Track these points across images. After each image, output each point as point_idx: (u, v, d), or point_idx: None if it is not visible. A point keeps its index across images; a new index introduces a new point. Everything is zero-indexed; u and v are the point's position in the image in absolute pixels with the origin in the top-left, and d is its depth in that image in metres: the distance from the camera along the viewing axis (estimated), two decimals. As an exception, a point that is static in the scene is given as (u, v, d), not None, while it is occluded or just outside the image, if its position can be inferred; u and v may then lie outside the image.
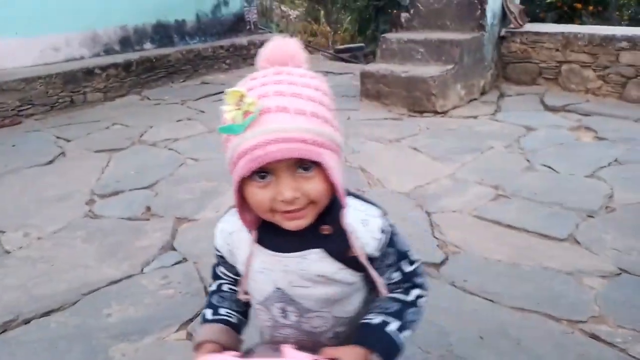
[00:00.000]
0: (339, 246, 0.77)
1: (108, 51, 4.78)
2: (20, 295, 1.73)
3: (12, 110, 3.79)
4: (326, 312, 0.82)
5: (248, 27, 6.17)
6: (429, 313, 1.51)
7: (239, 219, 0.76)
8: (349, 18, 9.60)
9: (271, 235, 0.77)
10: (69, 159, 3.04)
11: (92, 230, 2.18)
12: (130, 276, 1.82)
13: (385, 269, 0.81)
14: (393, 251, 0.81)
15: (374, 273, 0.78)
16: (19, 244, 2.06)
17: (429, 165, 2.82)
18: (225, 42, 5.54)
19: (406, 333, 0.80)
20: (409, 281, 0.84)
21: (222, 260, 0.88)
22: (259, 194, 0.70)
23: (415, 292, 0.84)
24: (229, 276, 0.90)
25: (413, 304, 0.83)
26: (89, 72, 4.22)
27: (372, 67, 4.13)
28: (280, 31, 7.65)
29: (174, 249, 2.01)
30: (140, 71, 4.61)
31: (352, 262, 0.78)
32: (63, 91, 4.05)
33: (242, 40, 5.71)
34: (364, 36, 9.09)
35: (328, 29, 9.54)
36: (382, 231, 0.79)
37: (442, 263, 1.85)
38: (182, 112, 3.97)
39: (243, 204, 0.73)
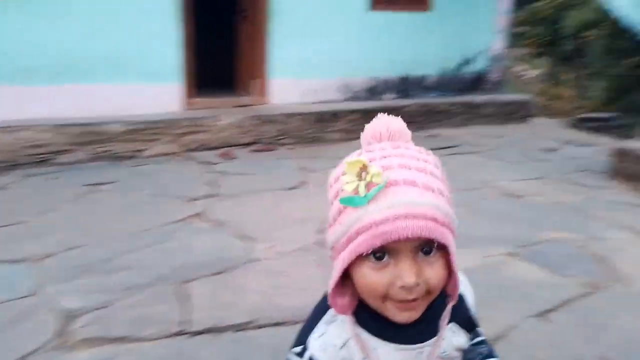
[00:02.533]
0: (460, 316, 0.75)
1: (355, 98, 5.31)
2: (260, 300, 1.99)
3: (271, 137, 4.51)
4: None
5: (488, 85, 6.08)
6: None
7: (330, 303, 0.67)
8: (600, 85, 8.62)
9: (383, 325, 0.67)
10: (309, 188, 3.44)
11: (320, 257, 2.39)
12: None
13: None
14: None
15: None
16: (264, 254, 2.40)
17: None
18: (462, 99, 5.57)
19: None
20: (492, 354, 0.83)
21: None
22: (374, 276, 0.62)
23: None
24: None
25: None
26: (335, 114, 4.74)
27: (631, 145, 3.60)
28: (517, 91, 7.31)
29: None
30: (378, 118, 4.97)
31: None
32: (312, 128, 4.65)
33: (479, 98, 5.66)
34: (614, 106, 8.03)
35: (572, 93, 8.73)
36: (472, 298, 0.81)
37: None
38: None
39: (341, 288, 0.66)
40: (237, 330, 1.80)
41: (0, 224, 2.68)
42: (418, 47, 5.51)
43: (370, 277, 0.62)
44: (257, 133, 4.47)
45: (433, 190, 0.61)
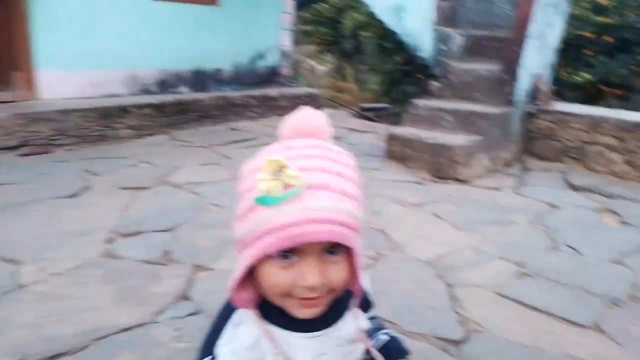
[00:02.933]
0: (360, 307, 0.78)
1: (145, 91, 4.96)
2: (30, 334, 1.69)
3: (44, 138, 3.89)
4: None
5: (281, 80, 6.37)
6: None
7: (233, 297, 0.67)
8: (376, 79, 9.87)
9: (290, 317, 0.67)
10: (94, 193, 3.07)
11: (109, 270, 2.16)
12: (142, 324, 1.78)
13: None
14: None
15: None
16: (34, 278, 2.05)
17: (451, 234, 2.78)
18: (258, 92, 5.71)
19: None
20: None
21: None
22: (279, 275, 0.62)
23: None
24: None
25: None
26: (123, 109, 4.35)
27: (399, 130, 4.19)
28: (309, 85, 7.87)
29: (188, 298, 1.98)
30: (173, 112, 4.74)
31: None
32: (97, 125, 4.17)
33: (273, 91, 5.88)
34: (389, 97, 9.31)
35: (354, 86, 9.80)
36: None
37: (463, 341, 1.78)
38: (208, 156, 4.03)
39: (243, 282, 0.66)
40: (-2, 375, 1.50)
41: None
42: (209, 41, 5.43)
43: (274, 275, 0.62)
44: (25, 134, 3.80)
45: (348, 196, 0.62)
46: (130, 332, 1.74)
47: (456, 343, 1.77)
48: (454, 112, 4.05)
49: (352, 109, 8.24)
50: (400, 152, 4.05)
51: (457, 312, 1.97)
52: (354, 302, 0.75)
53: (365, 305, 0.83)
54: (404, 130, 4.13)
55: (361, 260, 0.64)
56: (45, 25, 4.19)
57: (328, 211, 0.60)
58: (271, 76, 6.25)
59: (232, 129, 5.11)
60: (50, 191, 3.01)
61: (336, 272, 0.64)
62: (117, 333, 1.73)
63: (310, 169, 0.61)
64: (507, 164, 4.22)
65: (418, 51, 4.63)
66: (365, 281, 0.78)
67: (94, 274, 2.12)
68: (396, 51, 6.80)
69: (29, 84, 4.23)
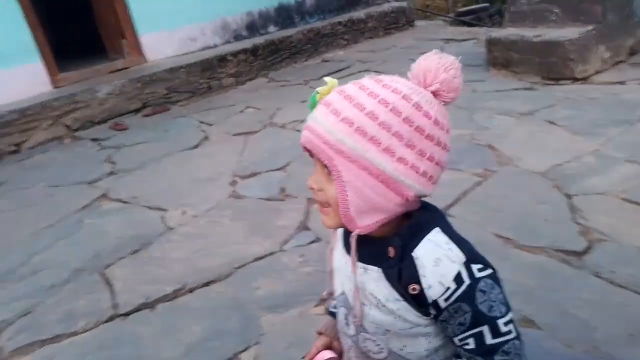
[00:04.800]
0: (397, 274, 0.69)
1: (237, 37, 5.13)
2: (185, 267, 2.02)
3: (160, 98, 4.29)
4: (381, 341, 0.75)
5: (365, -1, 6.11)
6: (571, 305, 1.47)
7: None
8: (471, -24, 8.96)
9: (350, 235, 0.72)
10: (212, 142, 3.39)
11: (237, 209, 2.44)
12: (272, 253, 2.03)
13: (457, 327, 0.68)
14: (469, 310, 0.66)
15: (419, 320, 0.70)
16: (179, 221, 2.39)
17: (569, 141, 2.60)
18: (343, 17, 5.58)
19: None
20: (485, 356, 0.68)
21: None
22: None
23: None
24: None
25: None
26: (222, 59, 4.58)
27: (499, 33, 3.87)
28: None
29: (307, 228, 2.17)
30: (266, 54, 4.88)
31: (417, 300, 0.69)
32: (201, 78, 4.47)
33: (359, 13, 5.69)
34: (487, -5, 8.44)
35: (447, -10, 9.04)
36: (457, 281, 0.66)
37: (585, 252, 1.74)
38: (306, 93, 4.11)
39: None
40: (168, 301, 1.84)
41: None
42: (288, -28, 5.34)
43: None
44: (143, 96, 4.22)
45: (342, 119, 0.64)
46: (263, 261, 1.99)
47: (578, 254, 1.72)
48: (560, 2, 3.60)
49: (446, 17, 7.68)
50: (503, 57, 3.76)
51: (578, 223, 1.90)
52: (391, 250, 0.70)
53: (404, 291, 0.69)
54: (506, 32, 3.80)
55: (349, 188, 0.65)
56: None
57: (312, 120, 0.69)
58: (355, -3, 6.01)
59: (324, 61, 5.12)
60: (177, 144, 3.38)
61: (328, 187, 0.69)
62: (253, 261, 1.99)
63: (342, 91, 0.68)
64: (632, 52, 3.71)
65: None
66: (435, 274, 0.67)
67: (225, 213, 2.41)
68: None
69: (136, 49, 4.61)
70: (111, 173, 3.10)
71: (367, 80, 0.68)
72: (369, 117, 0.64)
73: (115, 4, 4.44)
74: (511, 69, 3.72)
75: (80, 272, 2.10)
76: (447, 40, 5.16)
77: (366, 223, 0.67)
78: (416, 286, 0.67)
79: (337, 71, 4.58)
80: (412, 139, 0.65)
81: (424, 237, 0.69)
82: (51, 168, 3.35)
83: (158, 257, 2.12)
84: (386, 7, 5.99)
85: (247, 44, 4.84)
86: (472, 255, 0.68)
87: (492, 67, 3.86)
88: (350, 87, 0.68)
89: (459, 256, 0.68)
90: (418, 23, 6.40)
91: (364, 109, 0.64)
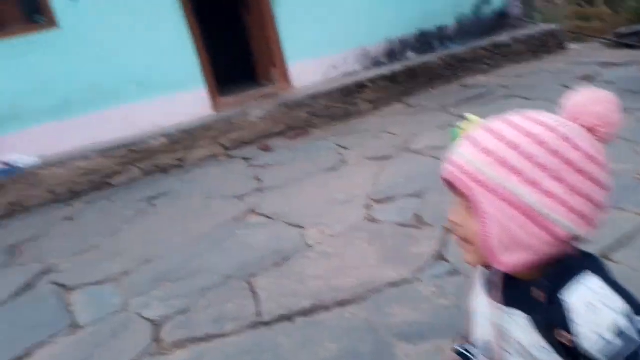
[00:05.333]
0: (546, 320, 0.64)
1: (376, 64, 5.28)
2: (321, 285, 2.13)
3: (302, 122, 4.59)
4: None
5: (511, 22, 5.85)
6: None
7: None
8: (635, -7, 8.04)
9: (488, 277, 0.71)
10: (349, 165, 3.52)
11: (371, 232, 2.49)
12: (407, 280, 2.03)
13: None
14: None
15: None
16: (317, 240, 2.53)
17: None
18: (486, 42, 5.41)
19: None
20: None
21: None
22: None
23: None
24: None
25: None
26: (360, 86, 4.75)
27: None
28: (545, 21, 6.97)
29: (444, 259, 2.13)
30: (404, 80, 4.94)
31: (567, 349, 0.62)
32: (341, 104, 4.68)
33: (503, 38, 5.47)
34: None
35: (606, 10, 8.22)
36: (618, 334, 0.58)
37: None
38: (443, 118, 4.08)
39: None
40: (306, 315, 1.95)
41: (77, 251, 2.95)
42: (428, -1, 5.36)
43: None
44: (288, 120, 4.56)
45: (482, 149, 0.64)
46: (398, 287, 2.00)
47: None
48: None
49: (604, 39, 6.97)
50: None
51: None
52: (537, 292, 0.65)
53: (551, 336, 0.64)
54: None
55: (491, 222, 0.62)
56: (290, 24, 4.86)
57: (457, 155, 0.67)
58: (499, 21, 5.80)
59: (463, 86, 5.01)
60: (316, 166, 3.59)
61: (469, 223, 0.66)
62: (387, 287, 2.01)
63: (485, 126, 0.67)
64: None
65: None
66: (589, 324, 0.60)
67: (360, 235, 2.48)
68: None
69: (284, 76, 5.01)
70: (257, 189, 3.40)
71: (512, 115, 0.67)
72: (509, 146, 0.62)
73: (269, 34, 4.91)
74: (689, 96, 3.24)
75: (229, 278, 2.33)
76: (605, 64, 4.69)
77: (510, 260, 0.63)
78: (565, 333, 0.61)
79: (475, 97, 4.45)
80: (559, 172, 0.61)
81: (574, 278, 0.63)
82: (207, 182, 3.79)
83: (297, 272, 2.26)
84: (534, 30, 5.67)
85: (385, 70, 4.96)
86: (636, 306, 0.60)
87: (664, 94, 3.41)
88: (494, 122, 0.67)
89: (618, 305, 0.60)
90: (572, 46, 5.93)
91: (505, 139, 0.63)
